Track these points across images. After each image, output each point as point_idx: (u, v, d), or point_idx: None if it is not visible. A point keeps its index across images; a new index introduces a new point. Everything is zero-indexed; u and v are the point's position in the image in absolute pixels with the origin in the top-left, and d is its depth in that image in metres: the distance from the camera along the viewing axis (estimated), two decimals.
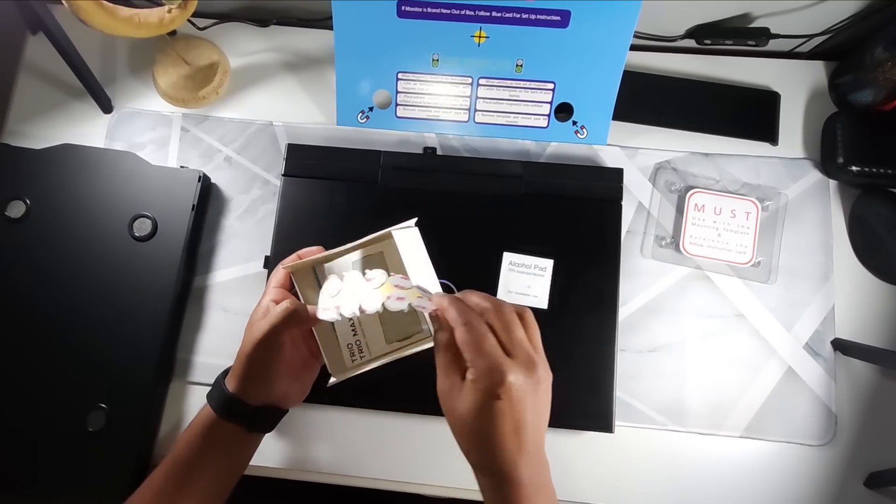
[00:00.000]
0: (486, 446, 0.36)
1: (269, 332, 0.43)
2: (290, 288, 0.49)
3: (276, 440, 0.55)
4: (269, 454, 0.55)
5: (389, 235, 0.46)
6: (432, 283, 0.48)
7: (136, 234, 0.56)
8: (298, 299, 0.48)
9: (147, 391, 0.53)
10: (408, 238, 0.47)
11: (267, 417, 0.47)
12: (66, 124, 0.63)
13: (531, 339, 0.38)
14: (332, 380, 0.47)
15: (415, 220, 0.47)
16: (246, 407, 0.44)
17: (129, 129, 0.63)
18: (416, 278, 0.45)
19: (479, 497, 0.54)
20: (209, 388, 0.47)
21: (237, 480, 0.47)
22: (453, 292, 0.55)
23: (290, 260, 0.50)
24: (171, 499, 0.43)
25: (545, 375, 0.38)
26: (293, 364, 0.47)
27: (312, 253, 0.50)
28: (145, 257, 0.56)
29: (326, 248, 0.52)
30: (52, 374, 0.53)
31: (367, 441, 0.55)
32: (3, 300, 0.55)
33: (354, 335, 0.49)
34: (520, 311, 0.39)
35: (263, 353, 0.43)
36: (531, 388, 0.36)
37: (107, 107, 0.63)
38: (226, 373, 0.47)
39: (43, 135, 0.62)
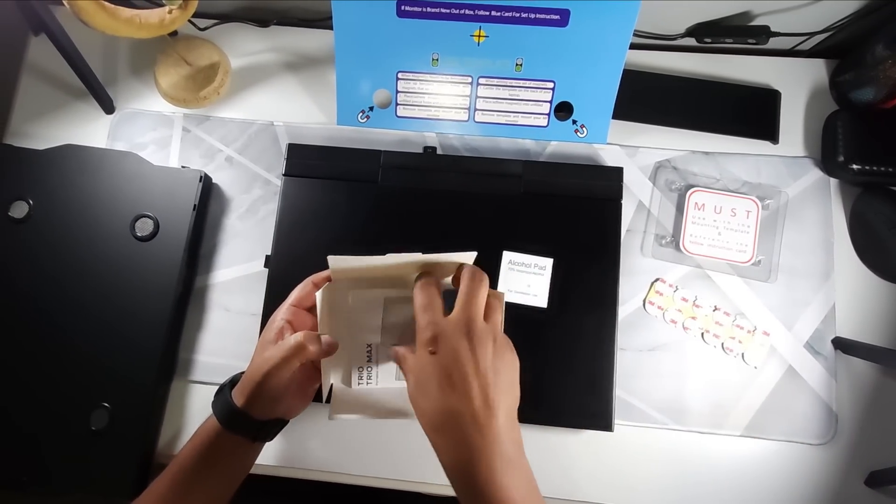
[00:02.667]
0: (438, 410, 0.38)
1: (280, 363, 0.43)
2: (310, 307, 0.48)
3: (276, 439, 0.55)
4: (270, 453, 0.55)
5: (459, 263, 0.42)
6: None
7: (138, 234, 0.56)
8: (316, 317, 0.46)
9: (149, 390, 0.54)
10: None
11: (272, 429, 0.47)
12: (68, 125, 0.64)
13: (488, 315, 0.40)
14: (331, 413, 0.46)
15: (474, 253, 0.44)
16: (253, 421, 0.45)
17: (131, 129, 0.63)
18: None
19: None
20: (213, 398, 0.46)
21: (238, 486, 0.47)
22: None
23: (322, 278, 0.48)
24: None
25: (487, 340, 0.38)
26: (300, 381, 0.47)
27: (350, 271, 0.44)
28: (147, 257, 0.56)
29: (326, 248, 0.51)
30: (55, 374, 0.54)
31: (367, 439, 0.55)
32: (5, 300, 0.55)
33: (368, 361, 0.46)
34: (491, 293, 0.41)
35: (273, 381, 0.43)
36: (466, 346, 0.37)
37: (108, 107, 0.63)
38: (232, 383, 0.46)
39: (45, 135, 0.63)
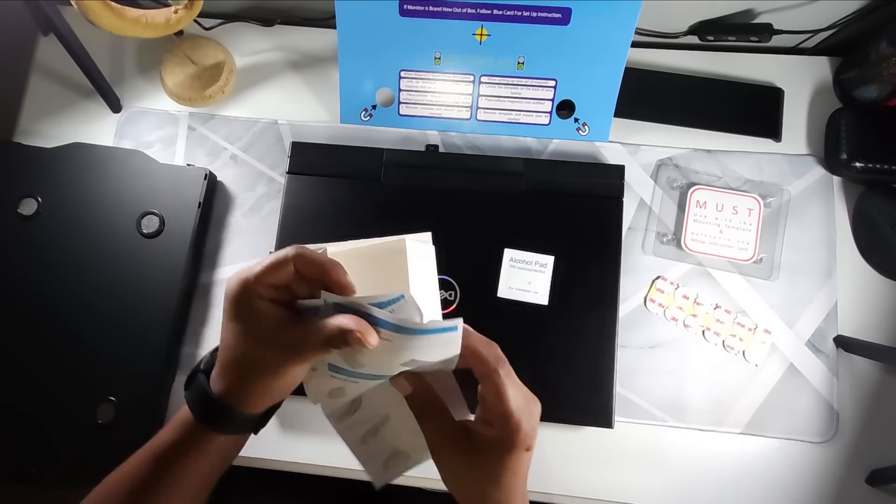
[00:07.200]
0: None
1: (305, 353, 0.33)
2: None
3: (280, 434, 0.56)
4: (274, 447, 0.56)
5: (402, 243, 0.42)
6: (433, 304, 0.44)
7: (144, 231, 0.57)
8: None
9: (155, 384, 0.55)
10: (420, 251, 0.44)
11: (266, 417, 0.39)
12: (76, 123, 0.65)
13: None
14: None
15: (430, 234, 0.43)
16: (245, 416, 0.36)
17: (138, 127, 0.64)
18: (417, 294, 0.40)
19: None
20: (186, 387, 0.37)
21: (221, 474, 0.40)
22: (454, 290, 0.55)
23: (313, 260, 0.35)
24: (150, 486, 0.36)
25: None
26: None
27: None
28: (153, 254, 0.57)
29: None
30: (62, 368, 0.55)
31: None
32: (14, 296, 0.56)
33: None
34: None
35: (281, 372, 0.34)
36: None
37: (115, 106, 0.64)
38: (207, 368, 0.37)
39: (54, 134, 0.64)
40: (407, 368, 0.35)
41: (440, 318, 0.43)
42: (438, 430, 0.36)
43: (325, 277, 0.34)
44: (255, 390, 0.35)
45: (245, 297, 0.34)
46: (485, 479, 0.35)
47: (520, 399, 0.34)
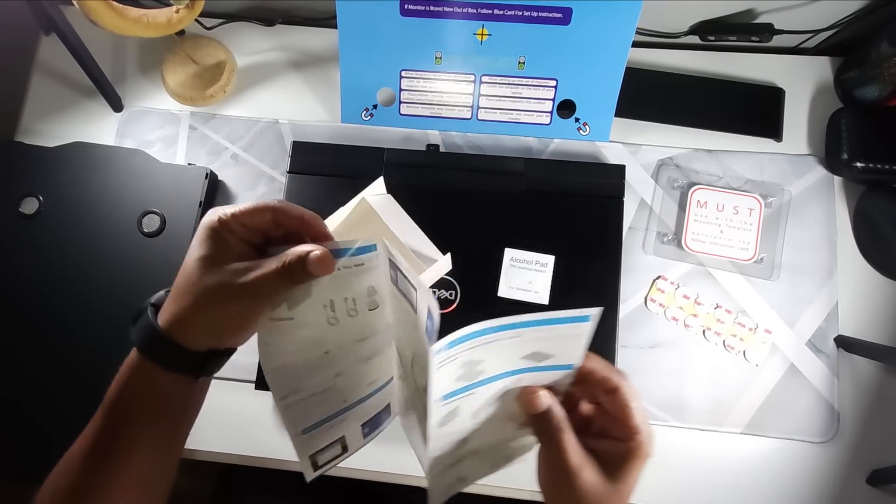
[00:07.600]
0: None
1: (269, 286, 0.32)
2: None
3: (280, 434, 0.56)
4: (274, 447, 0.56)
5: (366, 202, 0.43)
6: (425, 242, 0.45)
7: (145, 230, 0.57)
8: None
9: None
10: (382, 202, 0.46)
11: (218, 360, 0.37)
12: (77, 123, 0.65)
13: None
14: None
15: (381, 179, 0.44)
16: (192, 354, 0.35)
17: (139, 127, 0.64)
18: (406, 240, 0.43)
19: (475, 490, 0.55)
20: (133, 326, 0.37)
21: (189, 429, 0.38)
22: (455, 289, 0.55)
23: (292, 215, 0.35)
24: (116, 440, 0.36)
25: None
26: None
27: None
28: (154, 253, 0.57)
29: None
30: (63, 367, 0.55)
31: None
32: (15, 295, 0.57)
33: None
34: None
35: (240, 305, 0.33)
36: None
37: (117, 105, 0.64)
38: (156, 305, 0.36)
39: (55, 133, 0.64)
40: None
41: (438, 252, 0.44)
42: (571, 454, 0.33)
43: (306, 229, 0.35)
44: (201, 320, 0.34)
45: (217, 229, 0.34)
46: (612, 493, 0.34)
47: (641, 408, 0.34)
